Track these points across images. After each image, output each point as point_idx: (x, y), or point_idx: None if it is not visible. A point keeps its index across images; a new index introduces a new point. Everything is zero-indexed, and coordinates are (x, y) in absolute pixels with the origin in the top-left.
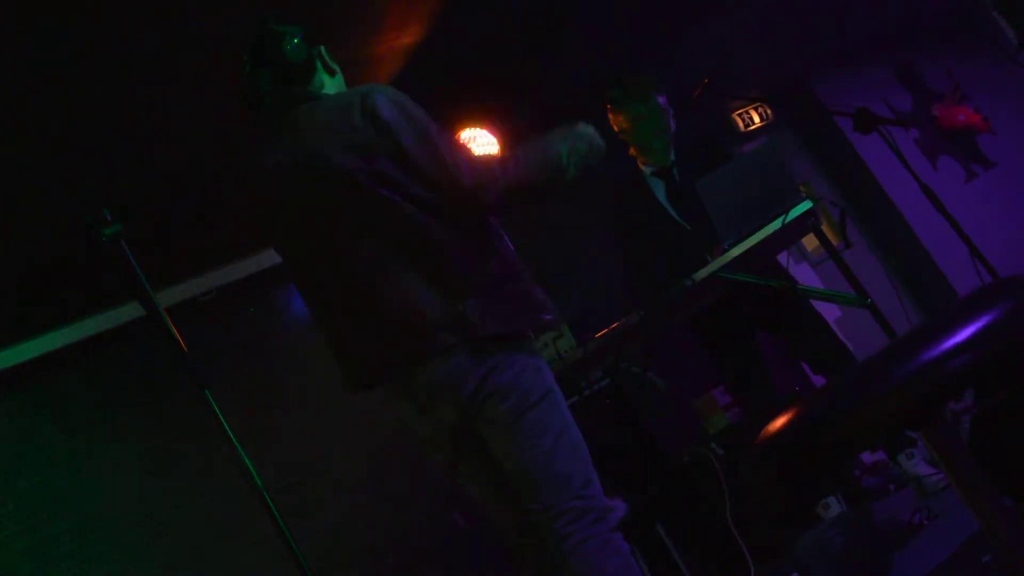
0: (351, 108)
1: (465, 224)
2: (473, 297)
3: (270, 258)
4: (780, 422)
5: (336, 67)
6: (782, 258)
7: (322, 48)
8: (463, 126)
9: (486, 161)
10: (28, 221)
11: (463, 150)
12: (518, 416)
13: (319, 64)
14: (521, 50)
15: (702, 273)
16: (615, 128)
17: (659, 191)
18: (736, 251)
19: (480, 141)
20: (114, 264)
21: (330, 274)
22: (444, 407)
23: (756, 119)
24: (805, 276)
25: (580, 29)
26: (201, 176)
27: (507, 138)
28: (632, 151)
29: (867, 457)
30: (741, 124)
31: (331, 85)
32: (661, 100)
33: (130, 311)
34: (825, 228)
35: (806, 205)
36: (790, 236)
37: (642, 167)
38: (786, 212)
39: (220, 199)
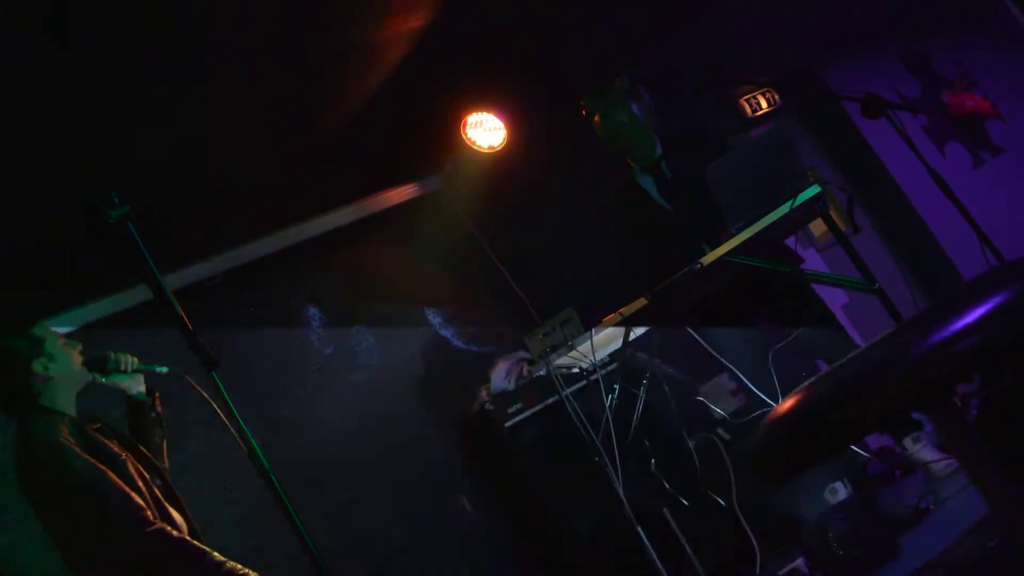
0: None
1: None
2: None
3: (278, 242)
4: (789, 403)
5: None
6: (790, 242)
7: None
8: (470, 111)
9: None
10: (33, 203)
11: None
12: None
13: None
14: (528, 34)
15: (710, 257)
16: (598, 133)
17: (650, 187)
18: (744, 235)
19: (487, 126)
20: (121, 246)
21: None
22: None
23: (764, 104)
24: (812, 261)
25: (587, 13)
26: (207, 160)
27: (514, 122)
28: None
29: (873, 442)
30: (748, 109)
31: None
32: (636, 104)
33: (137, 294)
34: (833, 213)
35: (814, 190)
36: (797, 221)
37: (631, 164)
38: (794, 197)
39: (226, 183)
